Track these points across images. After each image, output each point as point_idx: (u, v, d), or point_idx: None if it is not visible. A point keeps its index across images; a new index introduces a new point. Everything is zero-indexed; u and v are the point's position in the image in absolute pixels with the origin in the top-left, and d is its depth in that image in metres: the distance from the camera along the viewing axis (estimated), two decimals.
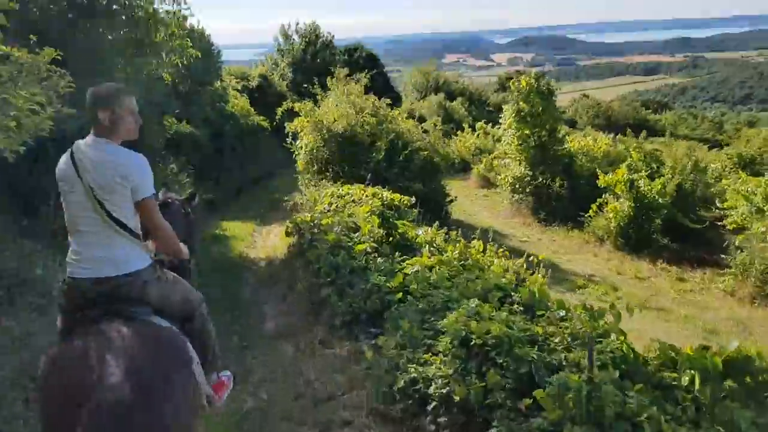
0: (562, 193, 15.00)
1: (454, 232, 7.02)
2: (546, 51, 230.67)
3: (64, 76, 4.83)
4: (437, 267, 5.87)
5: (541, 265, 6.86)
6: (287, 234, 9.30)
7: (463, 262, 6.06)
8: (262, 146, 20.78)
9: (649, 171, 13.08)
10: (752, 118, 60.50)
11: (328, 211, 8.67)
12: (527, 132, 15.47)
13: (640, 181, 12.31)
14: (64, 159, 2.78)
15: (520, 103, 15.36)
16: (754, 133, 23.26)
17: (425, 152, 12.31)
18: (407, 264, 6.13)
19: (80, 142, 2.78)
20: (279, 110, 12.88)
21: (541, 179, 15.27)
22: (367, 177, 10.99)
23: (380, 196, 8.64)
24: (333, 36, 32.74)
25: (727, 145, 30.54)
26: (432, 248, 6.74)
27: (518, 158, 15.89)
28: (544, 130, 15.50)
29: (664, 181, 12.33)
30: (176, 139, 13.47)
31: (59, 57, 4.88)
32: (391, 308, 5.30)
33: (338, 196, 9.24)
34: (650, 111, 48.32)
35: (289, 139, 13.10)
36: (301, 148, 12.43)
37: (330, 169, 11.88)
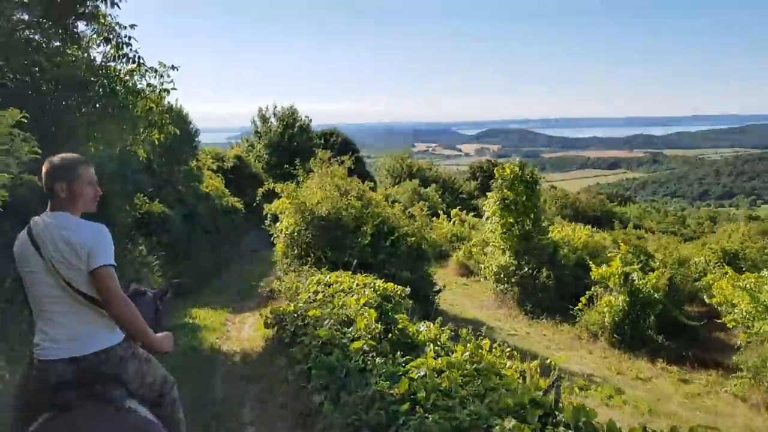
0: (549, 283, 14.45)
1: (465, 330, 6.29)
2: (512, 143, 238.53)
3: (29, 140, 4.14)
4: (447, 371, 5.11)
5: (556, 368, 6.20)
6: (266, 325, 8.43)
7: (476, 365, 5.31)
8: (236, 227, 20.10)
9: (641, 264, 12.70)
10: (713, 213, 62.29)
11: (314, 301, 7.88)
12: (511, 220, 15.10)
13: (633, 275, 11.84)
14: (21, 238, 2.65)
15: (505, 190, 15.08)
16: (733, 227, 23.54)
17: (413, 238, 11.71)
18: (411, 366, 5.36)
19: (37, 219, 2.65)
20: (259, 191, 12.25)
21: (526, 269, 14.74)
22: (352, 263, 10.30)
23: (373, 285, 7.89)
24: (311, 120, 32.84)
25: (692, 238, 30.81)
26: (436, 347, 6.00)
27: (502, 246, 15.42)
28: (528, 218, 15.18)
29: (658, 275, 11.88)
30: (146, 219, 12.67)
31: (25, 119, 4.21)
32: (399, 421, 4.50)
33: (325, 285, 8.46)
34: (615, 204, 49.39)
35: (267, 221, 12.45)
36: (281, 230, 11.73)
37: (312, 254, 11.14)
